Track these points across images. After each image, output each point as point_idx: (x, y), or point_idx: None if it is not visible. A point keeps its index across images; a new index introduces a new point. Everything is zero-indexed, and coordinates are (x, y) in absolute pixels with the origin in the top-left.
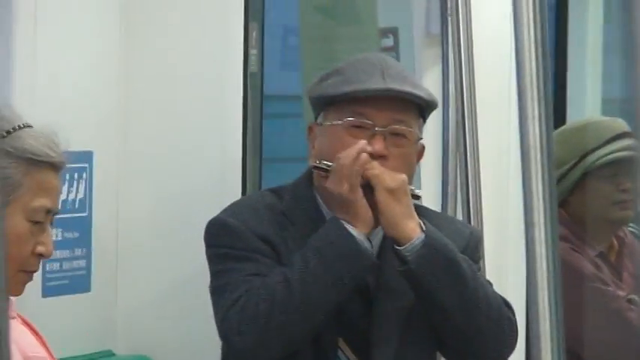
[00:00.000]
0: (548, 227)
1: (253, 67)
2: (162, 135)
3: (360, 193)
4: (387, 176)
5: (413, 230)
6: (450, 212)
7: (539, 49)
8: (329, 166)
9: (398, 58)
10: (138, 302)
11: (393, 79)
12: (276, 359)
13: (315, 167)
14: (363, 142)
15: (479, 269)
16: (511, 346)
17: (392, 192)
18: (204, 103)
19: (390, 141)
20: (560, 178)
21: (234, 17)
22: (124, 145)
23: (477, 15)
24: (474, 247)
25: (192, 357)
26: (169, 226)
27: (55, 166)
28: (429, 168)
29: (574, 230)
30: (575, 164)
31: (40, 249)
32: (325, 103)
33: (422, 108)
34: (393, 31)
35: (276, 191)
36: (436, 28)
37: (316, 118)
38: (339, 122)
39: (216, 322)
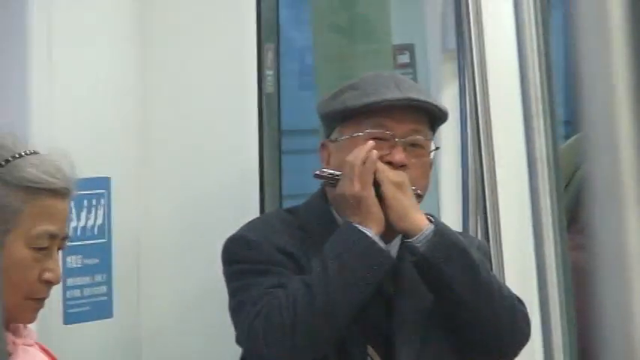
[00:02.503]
0: (558, 240)
1: (269, 87)
2: (180, 159)
3: (372, 191)
4: (390, 172)
5: (422, 221)
6: (471, 229)
7: (542, 59)
8: (332, 173)
9: (415, 74)
10: (161, 326)
11: (409, 90)
12: None
13: (318, 176)
14: (370, 143)
15: None
16: (527, 336)
17: (398, 186)
18: (222, 127)
19: (409, 152)
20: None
21: (249, 38)
22: (142, 170)
23: (493, 31)
24: (482, 258)
25: None
26: (189, 250)
27: (57, 192)
28: (450, 185)
29: None
30: (571, 179)
31: (47, 275)
32: (342, 118)
33: (433, 120)
34: (409, 48)
35: (290, 210)
36: (452, 43)
37: (329, 135)
38: (360, 134)
39: (240, 336)
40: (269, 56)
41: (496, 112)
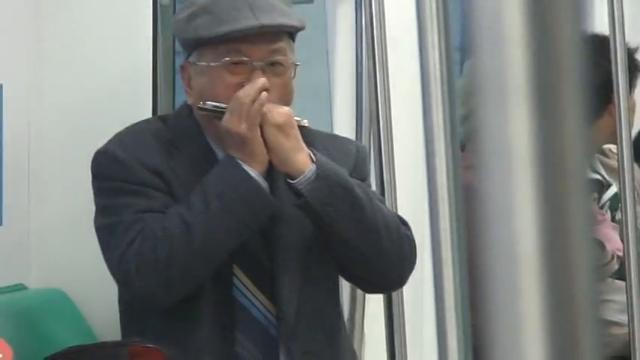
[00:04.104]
0: (449, 155)
1: None
2: (72, 62)
3: (258, 132)
4: (274, 112)
5: (304, 163)
6: (364, 142)
7: None
8: (216, 106)
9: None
10: (51, 235)
11: (262, 10)
12: (177, 299)
13: (202, 109)
14: (262, 80)
15: (369, 185)
16: (412, 264)
17: (280, 127)
18: (116, 31)
19: (270, 72)
20: None
21: None
22: (33, 73)
23: None
24: (362, 163)
25: (105, 290)
26: (81, 155)
27: None
28: (345, 96)
29: None
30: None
31: None
32: (197, 44)
33: (292, 32)
34: None
35: (161, 118)
36: None
37: (187, 57)
38: (217, 63)
39: (110, 263)
40: None
41: (390, 27)
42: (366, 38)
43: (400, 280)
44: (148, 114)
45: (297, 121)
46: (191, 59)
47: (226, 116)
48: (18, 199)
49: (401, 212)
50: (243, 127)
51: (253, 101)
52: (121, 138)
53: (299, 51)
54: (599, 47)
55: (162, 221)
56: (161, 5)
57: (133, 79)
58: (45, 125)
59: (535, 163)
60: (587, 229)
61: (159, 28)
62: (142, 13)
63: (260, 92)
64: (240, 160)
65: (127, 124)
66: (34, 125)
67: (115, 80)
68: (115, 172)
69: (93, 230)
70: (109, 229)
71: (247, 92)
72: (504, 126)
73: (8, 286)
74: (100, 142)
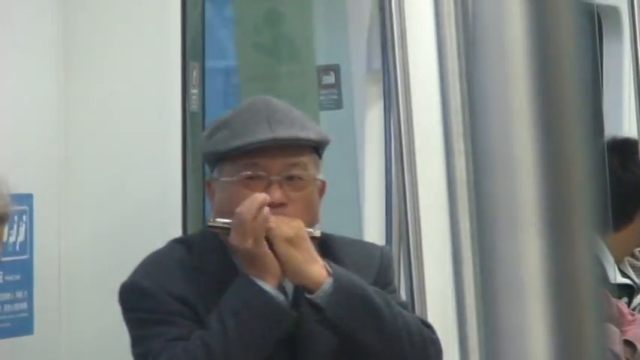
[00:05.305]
0: (476, 262)
1: (194, 106)
2: (103, 176)
3: (265, 245)
4: (283, 226)
5: (319, 275)
6: (394, 250)
7: (463, 82)
8: (225, 223)
9: (339, 95)
10: (81, 344)
11: (280, 124)
12: None
13: (211, 227)
14: (263, 196)
15: (394, 290)
16: None
17: (290, 241)
18: (145, 145)
19: (288, 186)
20: None
21: (174, 56)
22: (64, 186)
23: (417, 53)
24: (387, 267)
25: None
26: (111, 267)
27: None
28: (374, 204)
29: None
30: None
31: None
32: (217, 159)
33: (315, 146)
34: (334, 69)
35: (184, 242)
36: (377, 63)
37: (211, 173)
38: (234, 178)
39: None
40: (194, 74)
41: (420, 133)
42: (395, 144)
43: None
44: (177, 220)
45: (309, 232)
46: (214, 175)
47: (232, 233)
48: (49, 310)
49: (431, 315)
50: (249, 243)
51: (255, 216)
52: (145, 269)
53: (329, 158)
54: (629, 152)
55: (186, 347)
56: (191, 113)
57: (163, 186)
58: (76, 237)
59: (547, 291)
60: (600, 351)
61: (188, 135)
62: (172, 122)
63: (261, 207)
64: (254, 275)
65: (156, 235)
66: (64, 234)
67: (145, 189)
68: (143, 304)
69: (122, 339)
70: (141, 358)
71: (248, 208)
72: (516, 253)
73: None
74: (130, 252)
